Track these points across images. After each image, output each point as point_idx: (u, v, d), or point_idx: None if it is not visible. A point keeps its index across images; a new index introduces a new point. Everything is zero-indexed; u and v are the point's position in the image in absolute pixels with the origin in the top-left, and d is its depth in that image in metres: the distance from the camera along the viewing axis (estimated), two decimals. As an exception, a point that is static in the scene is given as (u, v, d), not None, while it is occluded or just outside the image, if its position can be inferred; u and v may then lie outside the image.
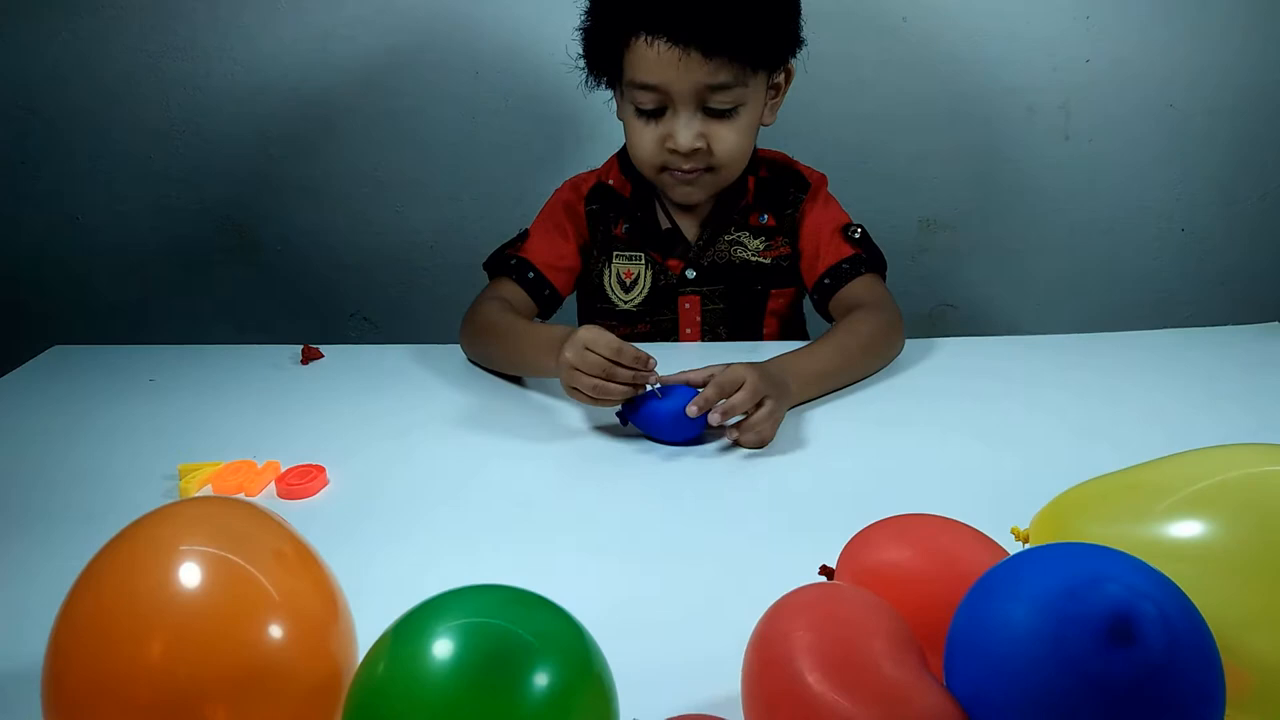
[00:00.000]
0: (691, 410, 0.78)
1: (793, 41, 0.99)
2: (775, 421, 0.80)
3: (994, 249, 1.42)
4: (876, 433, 0.83)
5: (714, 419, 0.78)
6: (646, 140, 0.97)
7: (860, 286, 1.00)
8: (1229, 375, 0.91)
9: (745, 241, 1.05)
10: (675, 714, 0.44)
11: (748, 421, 0.79)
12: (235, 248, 1.46)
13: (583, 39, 1.00)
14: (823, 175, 1.08)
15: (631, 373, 0.79)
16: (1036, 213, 1.39)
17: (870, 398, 0.90)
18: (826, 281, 1.02)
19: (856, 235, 1.03)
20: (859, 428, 0.84)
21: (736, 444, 0.79)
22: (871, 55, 1.31)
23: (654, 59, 0.91)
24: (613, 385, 0.79)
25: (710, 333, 1.07)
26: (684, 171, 0.98)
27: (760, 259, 1.05)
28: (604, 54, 0.98)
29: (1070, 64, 1.31)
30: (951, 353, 0.99)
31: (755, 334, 1.08)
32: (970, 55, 1.31)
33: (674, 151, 0.96)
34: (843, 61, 1.31)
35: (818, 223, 1.04)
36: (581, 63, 1.01)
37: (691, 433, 0.80)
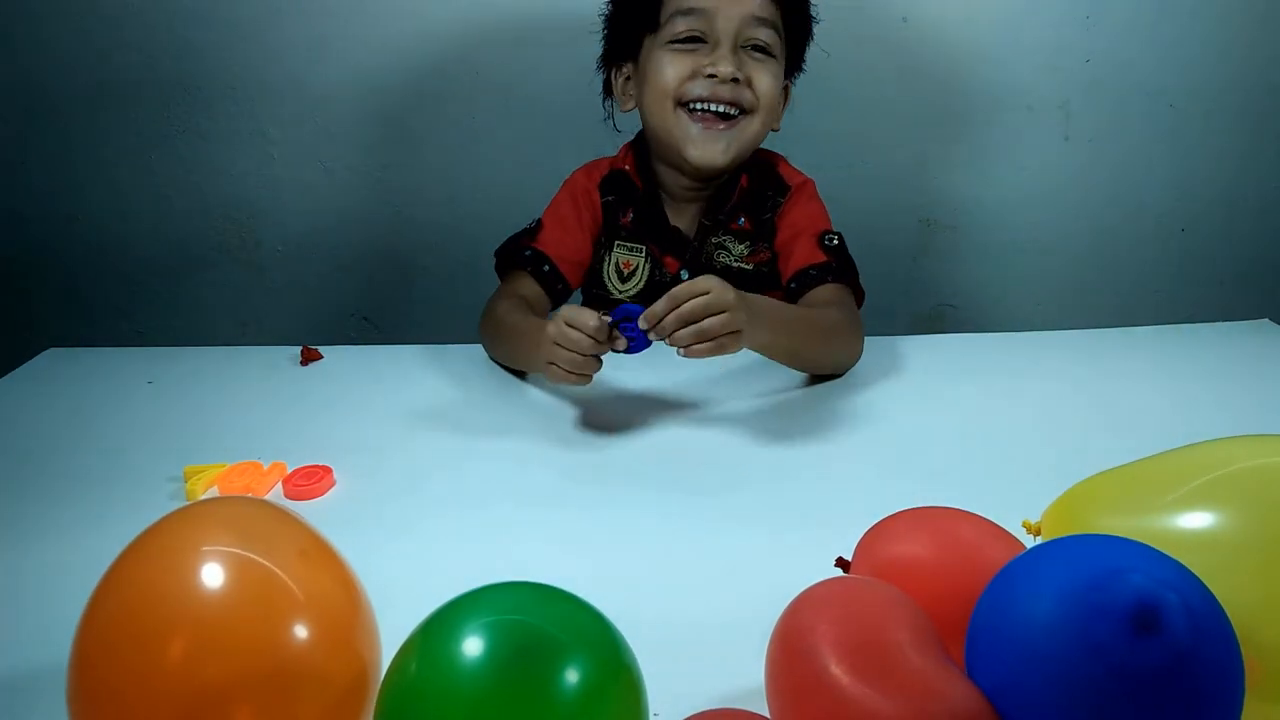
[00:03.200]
0: (641, 324, 0.77)
1: (801, 49, 1.03)
2: (725, 325, 0.75)
3: (994, 249, 1.42)
4: (882, 429, 0.83)
5: (668, 325, 0.76)
6: (675, 69, 0.95)
7: (826, 293, 0.97)
8: (1223, 371, 0.93)
9: (730, 247, 1.04)
10: (699, 708, 0.44)
11: (699, 326, 0.75)
12: (235, 248, 1.45)
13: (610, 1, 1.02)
14: (808, 179, 1.06)
15: (602, 342, 0.79)
16: (1036, 213, 1.39)
17: (874, 394, 0.90)
18: (792, 285, 0.99)
19: (832, 243, 1.00)
20: (864, 424, 0.84)
21: (681, 347, 0.76)
22: (872, 55, 1.31)
23: None
24: (593, 362, 0.80)
25: None
26: (716, 114, 0.95)
27: (743, 265, 1.04)
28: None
29: (1070, 64, 1.31)
30: (954, 350, 1.00)
31: None
32: (970, 55, 1.31)
33: (711, 77, 0.94)
34: (843, 61, 1.31)
35: (795, 222, 1.02)
36: (601, 35, 1.04)
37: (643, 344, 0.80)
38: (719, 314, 0.76)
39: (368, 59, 1.34)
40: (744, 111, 0.96)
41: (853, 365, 0.95)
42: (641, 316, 0.78)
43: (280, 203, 1.42)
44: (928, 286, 1.45)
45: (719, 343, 0.76)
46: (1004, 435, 0.81)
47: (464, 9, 1.32)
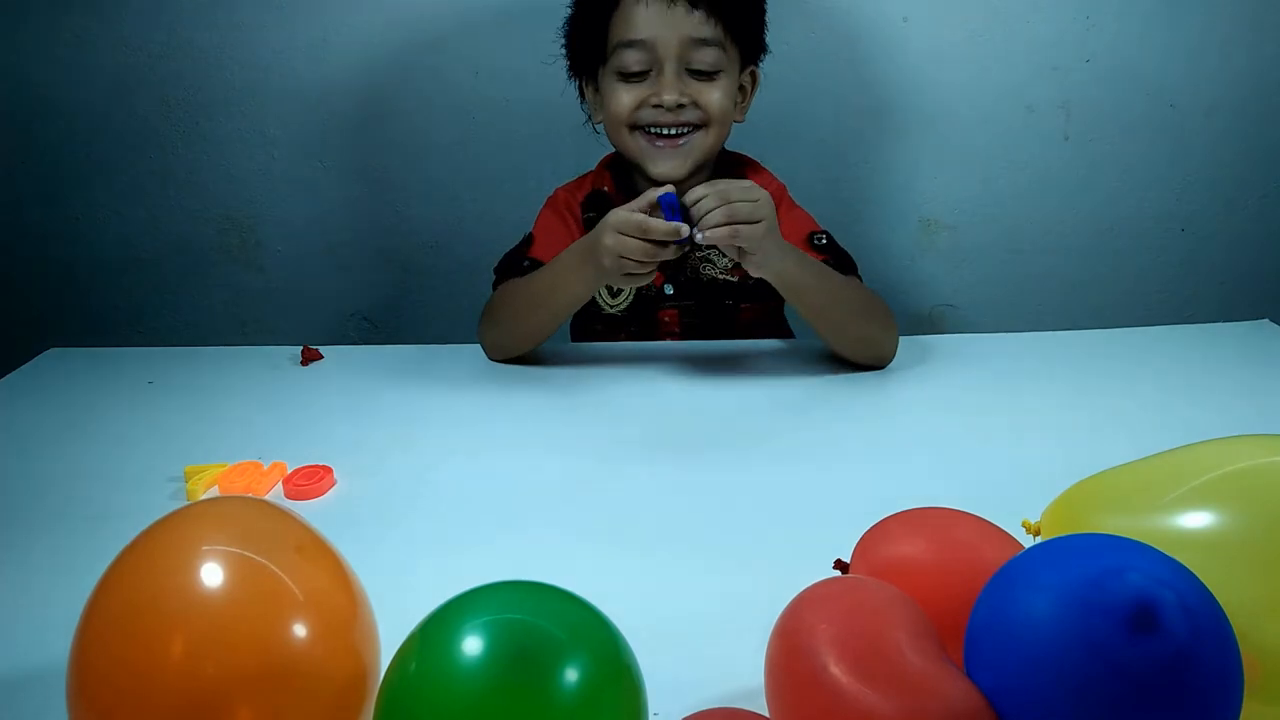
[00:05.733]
0: (687, 200, 0.85)
1: (759, 39, 1.04)
2: (752, 213, 0.83)
3: (994, 249, 1.42)
4: (882, 429, 0.84)
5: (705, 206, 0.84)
6: (625, 98, 0.98)
7: None
8: (1222, 371, 0.93)
9: (714, 259, 1.05)
10: (698, 707, 0.44)
11: (731, 205, 0.83)
12: (235, 248, 1.45)
13: (568, 22, 1.05)
14: (781, 185, 1.07)
15: (667, 240, 0.85)
16: (1036, 213, 1.39)
17: (876, 394, 0.90)
18: None
19: (822, 242, 1.01)
20: (864, 424, 0.84)
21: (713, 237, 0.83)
22: (872, 55, 1.31)
23: (642, 14, 0.96)
24: (658, 255, 0.86)
25: (690, 339, 1.07)
26: (669, 136, 0.98)
27: (729, 277, 1.05)
28: (591, 28, 1.01)
29: (1070, 64, 1.31)
30: (953, 350, 1.00)
31: (732, 329, 1.07)
32: (970, 55, 1.31)
33: (658, 106, 0.97)
34: (843, 61, 1.31)
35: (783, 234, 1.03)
36: (563, 54, 1.05)
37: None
38: (751, 203, 0.83)
39: (368, 59, 1.34)
40: (696, 127, 0.99)
41: (891, 352, 0.96)
42: (687, 197, 0.85)
43: (280, 203, 1.42)
44: (928, 286, 1.45)
45: (735, 230, 0.83)
46: (1004, 435, 0.81)
47: (464, 10, 1.32)
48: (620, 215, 0.85)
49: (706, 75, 0.98)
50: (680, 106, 0.97)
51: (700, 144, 0.99)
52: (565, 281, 0.94)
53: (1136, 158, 1.36)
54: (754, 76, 1.05)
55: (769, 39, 1.07)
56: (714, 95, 0.98)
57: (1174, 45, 1.30)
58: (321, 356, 1.03)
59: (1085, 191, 1.38)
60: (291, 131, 1.38)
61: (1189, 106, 1.33)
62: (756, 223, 0.83)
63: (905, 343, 0.99)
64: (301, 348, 1.02)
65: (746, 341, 1.04)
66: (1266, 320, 1.05)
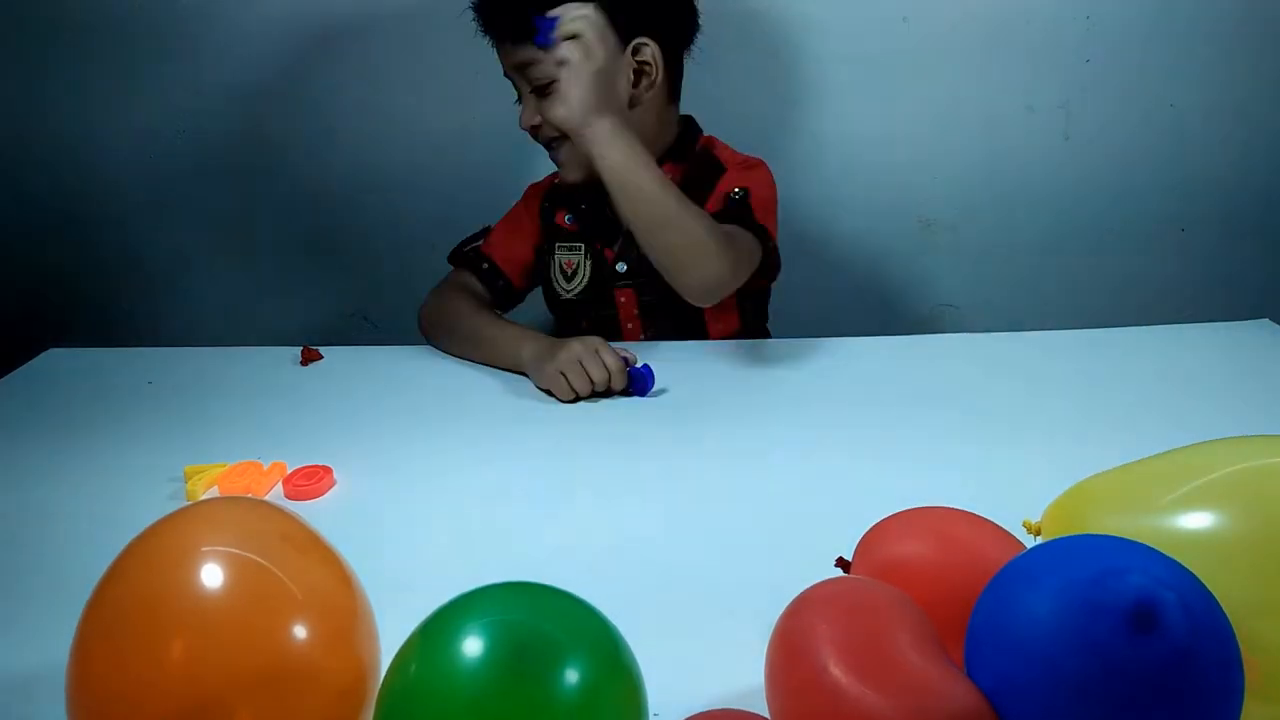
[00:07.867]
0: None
1: (618, 21, 0.96)
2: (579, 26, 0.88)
3: (994, 249, 1.42)
4: (884, 428, 0.83)
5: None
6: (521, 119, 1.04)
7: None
8: (1222, 371, 0.93)
9: None
10: (698, 708, 0.44)
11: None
12: (235, 247, 1.46)
13: None
14: (748, 158, 1.06)
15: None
16: (1036, 213, 1.39)
17: (876, 393, 0.90)
18: None
19: (737, 197, 1.01)
20: (864, 424, 0.84)
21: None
22: (872, 55, 1.31)
23: (499, 53, 1.02)
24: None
25: (651, 325, 1.07)
26: (549, 147, 1.03)
27: None
28: None
29: (1070, 64, 1.31)
30: (954, 350, 1.00)
31: (699, 327, 1.06)
32: (970, 55, 1.31)
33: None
34: (843, 61, 1.31)
35: (720, 189, 1.03)
36: None
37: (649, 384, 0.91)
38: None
39: (367, 59, 1.35)
40: (561, 139, 1.00)
41: (707, 280, 0.92)
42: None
43: (280, 203, 1.43)
44: (928, 286, 1.45)
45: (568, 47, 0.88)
46: (1004, 435, 0.81)
47: (465, 9, 1.32)
48: (611, 357, 0.89)
49: (545, 89, 0.98)
50: (535, 128, 1.01)
51: (571, 153, 1.00)
52: (503, 354, 0.98)
53: (1136, 158, 1.36)
54: (654, 56, 0.98)
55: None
56: (557, 110, 0.93)
57: (1174, 45, 1.30)
58: (321, 356, 1.03)
59: (1085, 191, 1.38)
60: (291, 131, 1.38)
61: (1189, 106, 1.33)
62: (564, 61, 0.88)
63: (905, 342, 0.99)
64: (301, 348, 1.02)
65: (747, 341, 1.04)
66: (1266, 320, 1.05)
